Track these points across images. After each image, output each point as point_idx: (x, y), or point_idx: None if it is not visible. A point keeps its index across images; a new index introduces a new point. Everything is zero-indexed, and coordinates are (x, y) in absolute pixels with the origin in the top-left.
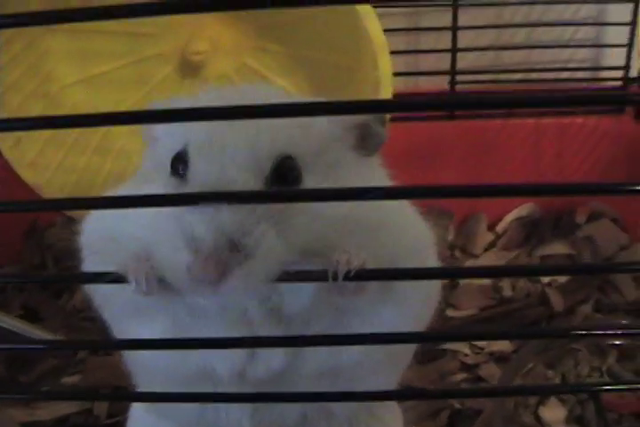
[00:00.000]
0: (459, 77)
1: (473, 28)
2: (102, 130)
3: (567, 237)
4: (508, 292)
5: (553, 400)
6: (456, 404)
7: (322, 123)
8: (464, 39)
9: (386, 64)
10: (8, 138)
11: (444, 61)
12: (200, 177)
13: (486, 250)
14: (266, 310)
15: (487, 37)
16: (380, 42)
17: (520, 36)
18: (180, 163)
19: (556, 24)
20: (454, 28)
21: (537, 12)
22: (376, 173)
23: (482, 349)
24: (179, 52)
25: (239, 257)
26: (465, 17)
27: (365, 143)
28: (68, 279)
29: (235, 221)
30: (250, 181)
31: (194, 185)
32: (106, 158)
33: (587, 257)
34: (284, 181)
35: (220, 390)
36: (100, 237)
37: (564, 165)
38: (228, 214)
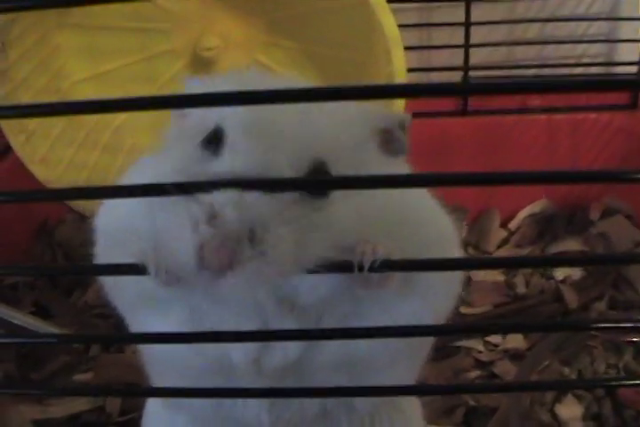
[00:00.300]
0: (471, 73)
1: (486, 23)
2: (113, 127)
3: (581, 233)
4: (521, 289)
5: (569, 397)
6: (471, 401)
7: (352, 127)
8: (477, 35)
9: (399, 59)
10: (20, 134)
11: (456, 57)
12: (239, 156)
13: (499, 247)
14: (278, 300)
15: (500, 33)
16: (393, 36)
17: (533, 31)
18: (213, 140)
19: (569, 19)
20: (467, 24)
21: (550, 7)
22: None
23: (496, 346)
24: (190, 49)
25: (254, 251)
26: (478, 12)
27: (389, 147)
28: (85, 271)
29: (262, 212)
30: (289, 172)
31: (229, 163)
32: (117, 156)
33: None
34: None
35: (237, 383)
36: (116, 229)
37: (578, 161)
38: (257, 202)
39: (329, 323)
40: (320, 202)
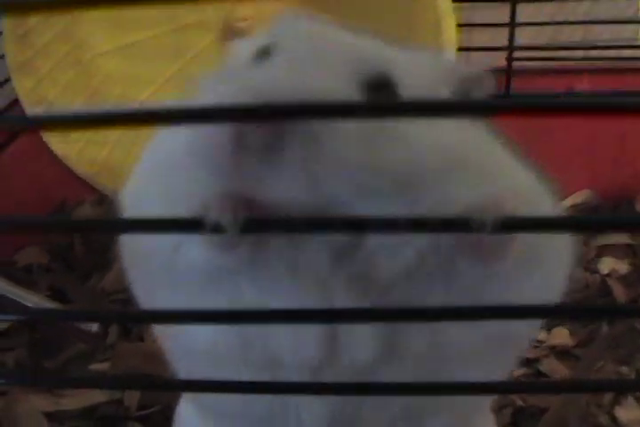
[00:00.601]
0: (516, 54)
1: (534, 0)
2: (138, 103)
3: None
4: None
5: (630, 400)
6: (518, 401)
7: (424, 67)
8: (523, 15)
9: (451, 29)
10: (37, 107)
11: (499, 37)
12: (287, 60)
13: None
14: (349, 278)
15: (547, 12)
16: (446, 6)
17: (581, 10)
18: (263, 52)
19: None
20: (513, 1)
21: None
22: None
23: (542, 342)
24: (221, 21)
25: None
26: None
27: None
28: (124, 227)
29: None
30: (342, 81)
31: (277, 61)
32: (139, 134)
33: None
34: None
35: (288, 378)
36: (159, 167)
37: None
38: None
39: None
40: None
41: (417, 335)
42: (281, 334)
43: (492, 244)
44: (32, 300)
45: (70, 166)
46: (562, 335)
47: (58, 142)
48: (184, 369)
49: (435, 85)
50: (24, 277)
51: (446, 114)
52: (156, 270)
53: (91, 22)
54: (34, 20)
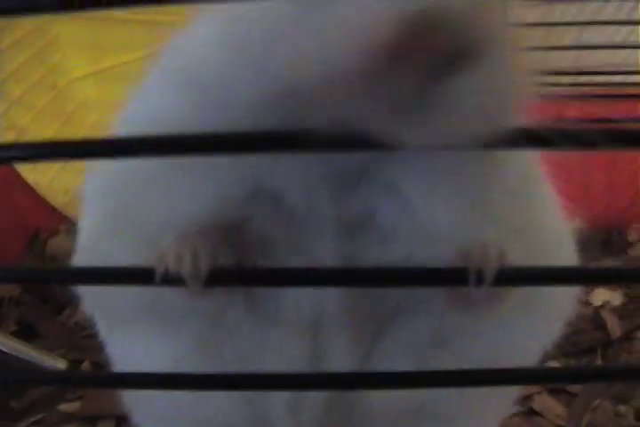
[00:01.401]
0: None
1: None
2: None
3: (619, 255)
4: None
5: None
6: None
7: None
8: None
9: None
10: (9, 134)
11: None
12: None
13: None
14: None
15: (535, 37)
16: None
17: (570, 36)
18: None
19: (607, 22)
20: None
21: (588, 13)
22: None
23: None
24: None
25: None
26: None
27: None
28: (70, 278)
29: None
30: None
31: None
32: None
33: None
34: None
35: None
36: (119, 205)
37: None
38: None
39: (395, 340)
40: None
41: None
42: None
43: (486, 298)
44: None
45: (42, 195)
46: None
47: (29, 170)
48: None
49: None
50: None
51: None
52: (121, 309)
53: (66, 46)
54: (6, 42)
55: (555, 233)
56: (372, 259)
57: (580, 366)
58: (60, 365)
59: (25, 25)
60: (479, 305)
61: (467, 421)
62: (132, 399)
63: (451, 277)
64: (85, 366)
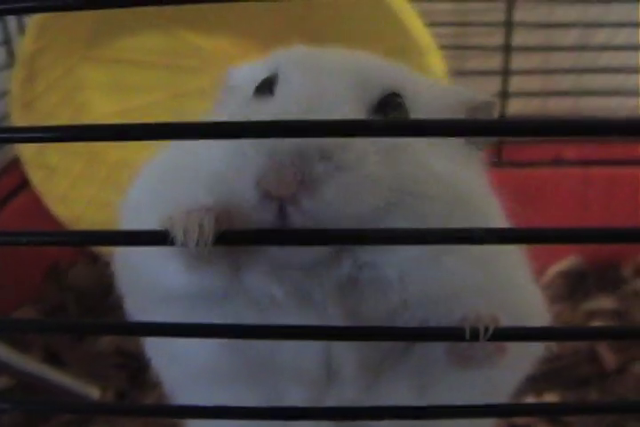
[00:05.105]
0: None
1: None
2: (134, 167)
3: (614, 291)
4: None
5: None
6: None
7: (435, 86)
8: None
9: (437, 64)
10: (40, 170)
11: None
12: (292, 89)
13: None
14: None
15: (536, 83)
16: (425, 42)
17: (568, 81)
18: (266, 86)
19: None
20: (505, 72)
21: (587, 58)
22: (474, 163)
23: None
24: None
25: (329, 166)
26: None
27: None
28: (95, 240)
29: (327, 141)
30: (348, 103)
31: (282, 99)
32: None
33: (635, 312)
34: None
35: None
36: (150, 195)
37: (612, 217)
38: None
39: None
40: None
41: None
42: (283, 350)
43: (481, 356)
44: (27, 363)
45: (67, 227)
46: (551, 400)
47: (58, 206)
48: (182, 395)
49: (444, 109)
50: (18, 338)
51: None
52: (146, 294)
53: (92, 86)
54: (41, 87)
55: (529, 294)
56: (370, 309)
57: (576, 401)
58: (94, 393)
59: (57, 69)
60: (480, 360)
61: None
62: None
63: (449, 334)
64: (109, 394)
